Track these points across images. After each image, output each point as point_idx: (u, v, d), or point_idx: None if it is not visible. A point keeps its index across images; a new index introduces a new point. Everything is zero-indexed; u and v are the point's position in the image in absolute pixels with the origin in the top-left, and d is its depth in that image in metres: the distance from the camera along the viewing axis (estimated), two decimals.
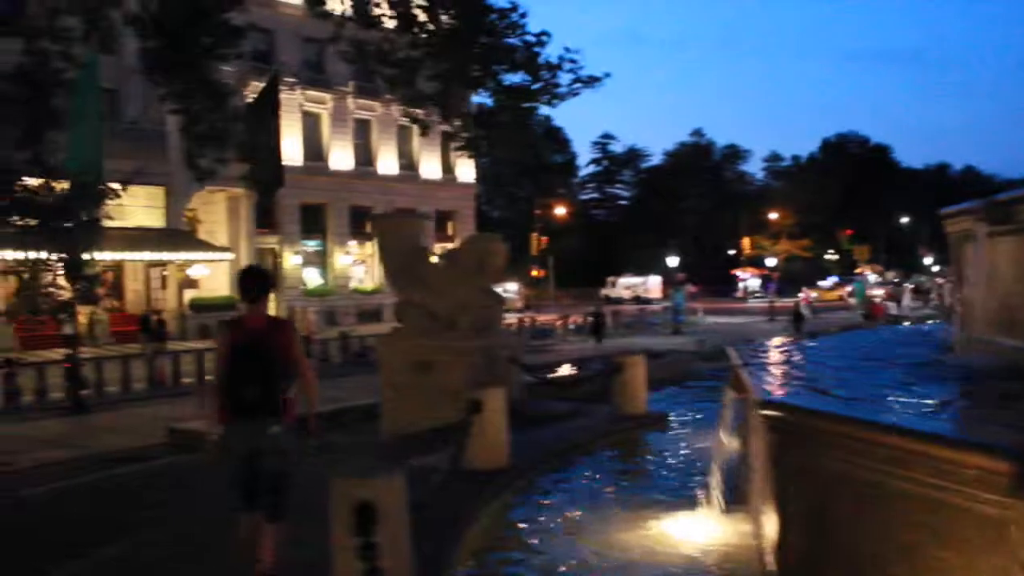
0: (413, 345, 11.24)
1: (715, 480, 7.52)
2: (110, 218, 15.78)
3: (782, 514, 4.67)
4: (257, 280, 6.27)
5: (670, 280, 70.78)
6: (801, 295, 52.03)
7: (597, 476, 9.22)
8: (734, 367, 7.23)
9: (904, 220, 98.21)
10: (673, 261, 52.33)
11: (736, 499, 7.41)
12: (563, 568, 6.57)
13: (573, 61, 19.22)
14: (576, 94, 9.47)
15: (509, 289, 53.10)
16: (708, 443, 9.64)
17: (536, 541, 7.22)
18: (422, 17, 20.89)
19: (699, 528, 7.26)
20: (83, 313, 36.95)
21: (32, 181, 11.25)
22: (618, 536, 7.22)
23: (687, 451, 10.30)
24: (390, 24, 23.67)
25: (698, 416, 12.44)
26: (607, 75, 18.64)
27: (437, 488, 6.45)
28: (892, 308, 48.03)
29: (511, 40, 19.87)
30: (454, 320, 10.76)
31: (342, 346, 28.79)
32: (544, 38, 20.66)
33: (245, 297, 6.17)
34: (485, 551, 6.94)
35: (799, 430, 4.50)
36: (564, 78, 17.95)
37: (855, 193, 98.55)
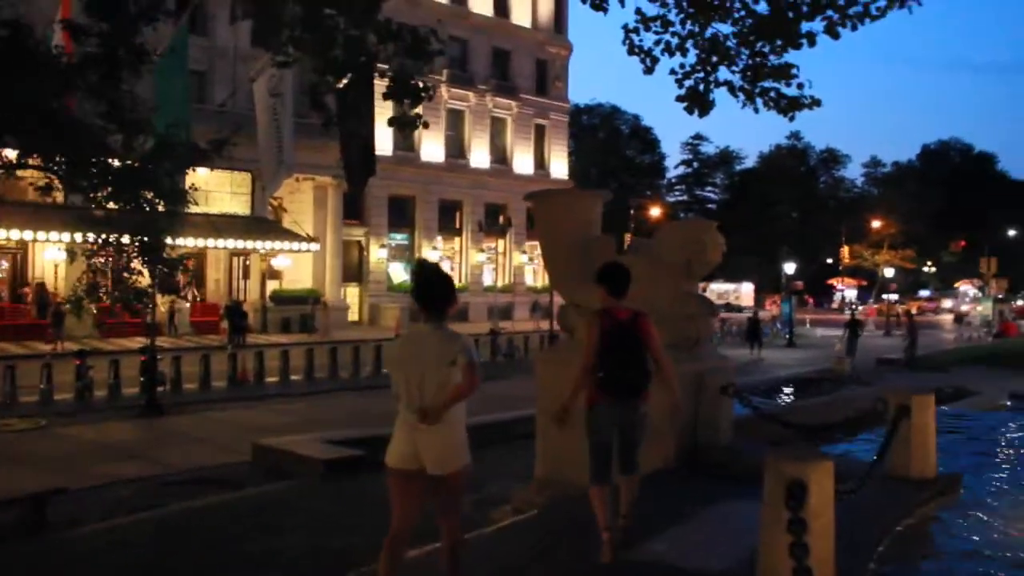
0: None
1: None
2: (195, 190, 13.61)
3: None
4: (624, 276, 6.49)
5: (768, 287, 67.54)
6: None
7: None
8: None
9: (1011, 233, 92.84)
10: (789, 268, 48.97)
11: None
12: None
13: None
14: (881, 15, 6.26)
15: None
16: None
17: None
18: None
19: None
20: (163, 302, 35.43)
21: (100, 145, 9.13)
22: None
23: None
24: None
25: (997, 476, 9.38)
26: None
27: None
28: None
29: None
30: None
31: None
32: None
33: (613, 292, 6.44)
34: None
35: None
36: None
37: (958, 203, 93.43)
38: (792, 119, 7.51)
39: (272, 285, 39.98)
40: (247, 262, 39.62)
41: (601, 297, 6.45)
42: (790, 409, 11.57)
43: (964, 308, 62.21)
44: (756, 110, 7.41)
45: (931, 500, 7.11)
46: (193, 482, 10.95)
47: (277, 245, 37.96)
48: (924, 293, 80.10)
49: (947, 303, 73.65)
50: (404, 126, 9.11)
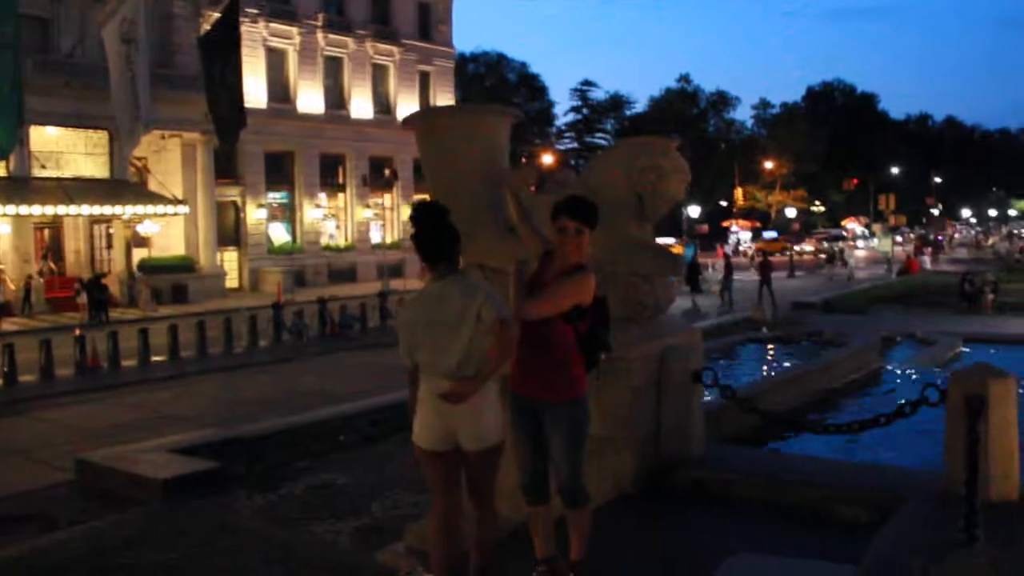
0: None
1: None
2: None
3: None
4: None
5: (664, 232, 66.34)
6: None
7: None
8: None
9: (895, 170, 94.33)
10: (693, 212, 47.26)
11: None
12: None
13: None
14: None
15: None
16: None
17: None
18: None
19: None
20: (12, 279, 31.87)
21: None
22: None
23: None
24: None
25: None
26: None
27: None
28: (927, 262, 43.67)
29: None
30: None
31: (320, 314, 23.82)
32: None
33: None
34: None
35: None
36: None
37: (844, 142, 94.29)
38: None
39: (140, 253, 36.54)
40: (110, 230, 36.01)
41: (580, 244, 4.60)
42: (761, 388, 9.49)
43: (840, 246, 59.89)
44: None
45: None
46: None
47: (141, 209, 34.49)
48: (769, 235, 78.04)
49: (806, 247, 70.43)
50: None
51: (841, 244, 60.76)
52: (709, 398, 6.87)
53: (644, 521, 5.54)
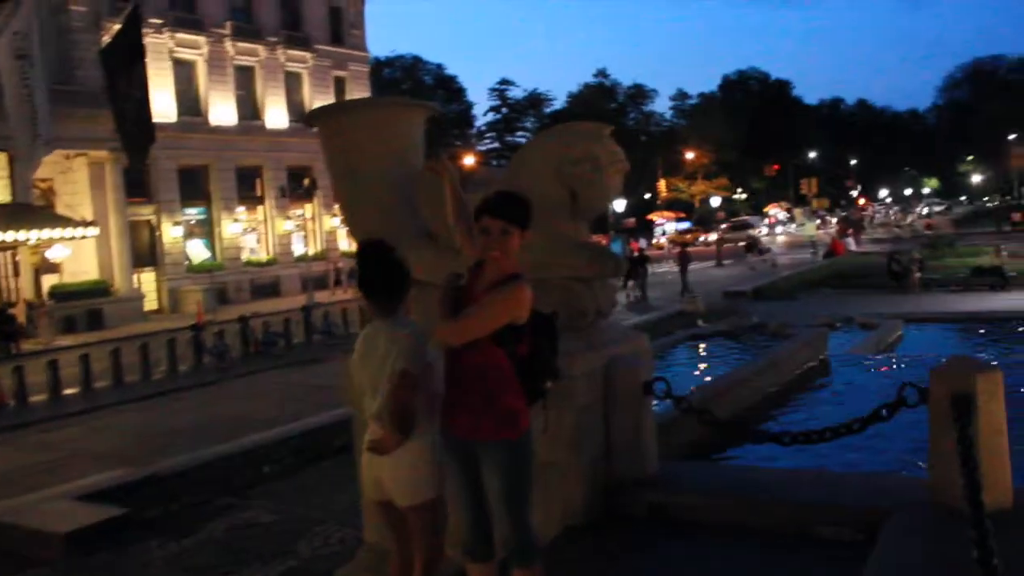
0: None
1: None
2: None
3: None
4: None
5: (590, 228, 66.07)
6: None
7: None
8: None
9: (811, 154, 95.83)
10: (619, 205, 46.83)
11: None
12: None
13: None
14: None
15: None
16: None
17: None
18: None
19: None
20: None
21: None
22: None
23: None
24: None
25: None
26: None
27: None
28: (852, 244, 44.05)
29: None
30: None
31: (242, 333, 22.84)
32: None
33: None
34: None
35: None
36: None
37: (762, 129, 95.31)
38: None
39: (50, 280, 34.97)
40: (16, 257, 34.36)
41: (507, 248, 3.84)
42: (714, 391, 8.97)
43: (759, 232, 59.16)
44: None
45: None
46: None
47: (48, 234, 32.89)
48: (683, 226, 77.73)
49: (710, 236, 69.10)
50: None
51: (753, 231, 60.25)
52: (657, 405, 6.30)
53: (599, 556, 4.92)
